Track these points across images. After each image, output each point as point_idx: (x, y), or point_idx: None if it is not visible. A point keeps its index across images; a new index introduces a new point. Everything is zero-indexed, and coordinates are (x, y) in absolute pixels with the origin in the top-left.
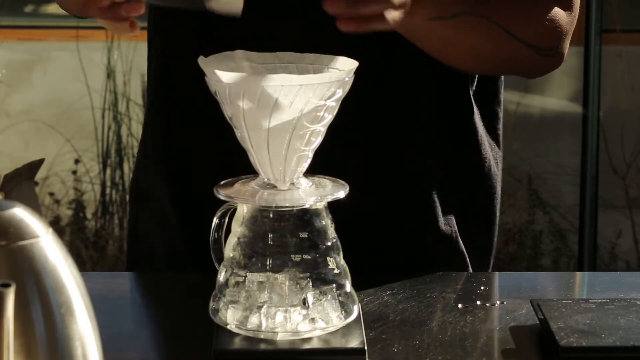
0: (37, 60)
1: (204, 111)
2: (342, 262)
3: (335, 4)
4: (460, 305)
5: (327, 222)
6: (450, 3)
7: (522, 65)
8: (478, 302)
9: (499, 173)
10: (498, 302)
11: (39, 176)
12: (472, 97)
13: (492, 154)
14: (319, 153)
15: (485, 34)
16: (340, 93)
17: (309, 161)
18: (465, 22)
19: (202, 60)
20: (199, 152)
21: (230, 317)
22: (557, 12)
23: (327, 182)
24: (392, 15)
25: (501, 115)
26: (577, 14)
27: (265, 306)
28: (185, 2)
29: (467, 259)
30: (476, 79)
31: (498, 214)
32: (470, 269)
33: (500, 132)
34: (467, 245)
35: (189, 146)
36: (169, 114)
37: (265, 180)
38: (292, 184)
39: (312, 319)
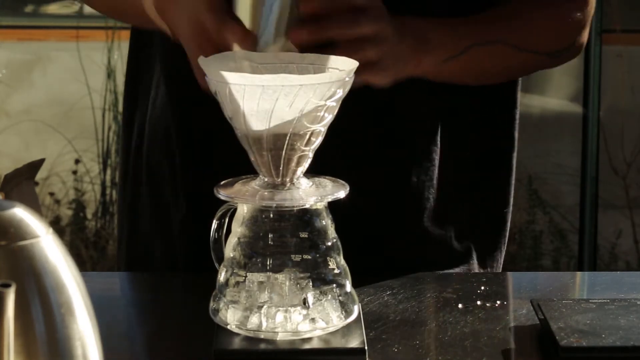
0: (37, 60)
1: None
2: (343, 262)
3: (299, 35)
4: (460, 305)
5: (327, 222)
6: (458, 39)
7: (533, 69)
8: (478, 302)
9: (512, 176)
10: (498, 302)
11: (39, 176)
12: (481, 98)
13: (503, 156)
14: (319, 153)
15: (497, 57)
16: (340, 93)
17: (309, 161)
18: (477, 52)
19: (202, 60)
20: (208, 148)
21: (231, 317)
22: (566, 13)
23: (327, 182)
24: (383, 75)
25: (517, 117)
26: (594, 4)
27: (265, 306)
28: None
29: (473, 259)
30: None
31: (509, 218)
32: (477, 269)
33: (516, 135)
34: (474, 245)
35: (199, 144)
36: (177, 111)
37: (265, 180)
38: (292, 184)
39: (312, 319)
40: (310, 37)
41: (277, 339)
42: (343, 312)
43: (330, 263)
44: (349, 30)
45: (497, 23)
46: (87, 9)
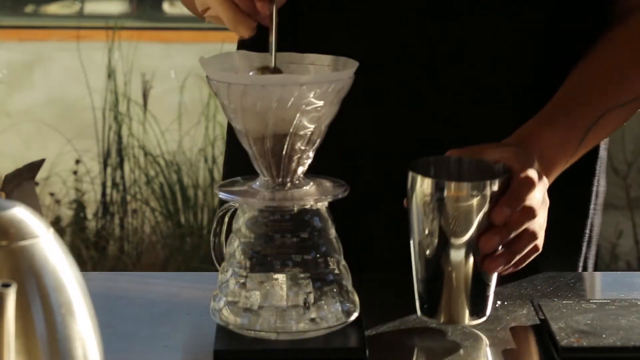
0: (37, 61)
1: None
2: (343, 262)
3: (491, 241)
4: None
5: (327, 222)
6: (576, 127)
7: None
8: None
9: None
10: (498, 302)
11: (39, 176)
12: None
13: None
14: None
15: (610, 126)
16: (341, 93)
17: (309, 161)
18: (592, 134)
19: (202, 60)
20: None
21: (231, 317)
22: None
23: (327, 182)
24: (540, 240)
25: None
26: None
27: (265, 306)
28: None
29: None
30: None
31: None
32: None
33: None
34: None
35: None
36: None
37: (266, 180)
38: (293, 184)
39: (313, 319)
40: (501, 241)
41: (277, 339)
42: (343, 312)
43: (330, 263)
44: (530, 226)
45: (596, 95)
46: (87, 9)
